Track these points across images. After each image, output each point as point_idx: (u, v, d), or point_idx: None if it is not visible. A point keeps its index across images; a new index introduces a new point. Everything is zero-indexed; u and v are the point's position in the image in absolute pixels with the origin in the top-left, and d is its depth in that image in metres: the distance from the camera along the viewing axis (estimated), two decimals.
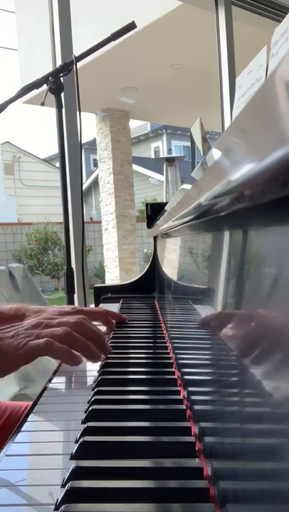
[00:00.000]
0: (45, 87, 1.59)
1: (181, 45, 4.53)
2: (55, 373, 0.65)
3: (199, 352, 0.49)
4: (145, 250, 8.48)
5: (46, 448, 0.42)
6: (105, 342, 0.66)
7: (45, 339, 0.57)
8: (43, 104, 1.61)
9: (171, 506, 0.31)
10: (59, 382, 0.61)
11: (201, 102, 5.61)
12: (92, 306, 1.48)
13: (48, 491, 0.34)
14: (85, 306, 2.02)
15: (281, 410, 0.20)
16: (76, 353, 0.60)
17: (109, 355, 0.66)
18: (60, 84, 1.58)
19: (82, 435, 0.41)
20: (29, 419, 0.48)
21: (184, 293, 0.62)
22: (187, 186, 0.47)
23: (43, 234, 8.47)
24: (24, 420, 0.48)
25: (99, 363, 0.64)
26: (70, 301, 1.66)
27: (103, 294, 1.37)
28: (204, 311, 0.44)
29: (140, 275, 1.43)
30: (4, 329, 0.60)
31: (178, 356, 0.61)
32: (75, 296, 1.77)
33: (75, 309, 0.79)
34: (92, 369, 0.63)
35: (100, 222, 7.80)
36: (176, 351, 0.63)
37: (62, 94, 1.61)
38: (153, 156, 16.32)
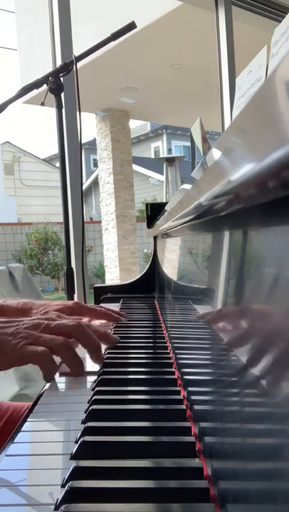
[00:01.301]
0: (45, 87, 1.59)
1: (181, 45, 4.53)
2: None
3: (199, 352, 0.49)
4: (145, 250, 8.48)
5: (46, 448, 0.42)
6: (100, 352, 0.65)
7: (42, 349, 0.57)
8: (43, 104, 1.61)
9: (171, 506, 0.31)
10: (59, 382, 0.61)
11: (201, 102, 5.61)
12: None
13: (48, 491, 0.34)
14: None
15: (281, 410, 0.20)
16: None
17: (109, 355, 0.66)
18: (60, 84, 1.58)
19: (82, 435, 0.41)
20: (29, 419, 0.48)
21: (184, 293, 0.62)
22: (187, 186, 0.47)
23: (43, 234, 8.47)
24: (24, 420, 0.48)
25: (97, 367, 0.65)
26: None
27: (103, 294, 1.37)
28: (204, 311, 0.44)
29: (140, 275, 1.43)
30: (4, 324, 0.60)
31: (178, 356, 0.61)
32: (75, 296, 1.77)
33: (77, 304, 0.80)
34: (92, 369, 0.63)
35: (100, 222, 7.80)
36: (176, 351, 0.63)
37: (62, 94, 1.61)
38: (153, 156, 16.32)
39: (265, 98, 0.17)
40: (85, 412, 0.46)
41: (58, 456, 0.40)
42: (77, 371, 0.61)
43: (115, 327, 0.89)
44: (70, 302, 0.82)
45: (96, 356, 0.64)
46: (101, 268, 8.31)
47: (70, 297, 1.65)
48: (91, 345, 0.64)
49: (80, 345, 0.65)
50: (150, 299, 1.30)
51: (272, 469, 0.21)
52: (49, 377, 0.59)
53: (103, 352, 0.69)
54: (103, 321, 0.91)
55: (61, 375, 0.63)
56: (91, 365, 0.64)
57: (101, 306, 0.92)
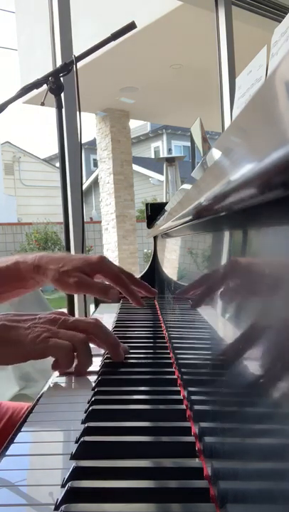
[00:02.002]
0: (45, 87, 1.59)
1: (181, 45, 4.54)
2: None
3: (199, 352, 0.49)
4: (145, 250, 8.48)
5: (46, 448, 0.42)
6: (119, 349, 0.64)
7: (67, 343, 0.57)
8: (43, 104, 1.61)
9: (171, 506, 0.31)
10: (59, 382, 0.61)
11: (201, 102, 5.61)
12: (92, 306, 1.47)
13: (48, 491, 0.34)
14: (85, 306, 2.02)
15: (281, 410, 0.20)
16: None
17: (109, 355, 0.66)
18: (60, 84, 1.58)
19: (82, 435, 0.41)
20: (29, 419, 0.48)
21: (184, 293, 0.62)
22: (187, 186, 0.47)
23: (42, 234, 8.47)
24: (24, 420, 0.48)
25: (99, 363, 0.65)
26: (70, 301, 1.66)
27: None
28: (204, 311, 0.44)
29: (140, 275, 1.43)
30: (20, 317, 0.60)
31: (178, 356, 0.61)
32: (75, 296, 1.77)
33: (101, 259, 0.73)
34: (92, 369, 0.63)
35: (100, 222, 7.80)
36: (176, 351, 0.63)
37: (62, 94, 1.61)
38: (153, 156, 16.32)
39: (265, 98, 0.17)
40: (85, 412, 0.46)
41: (58, 456, 0.40)
42: (85, 371, 0.61)
43: (115, 327, 0.89)
44: (95, 257, 0.73)
45: (116, 353, 0.63)
46: None
47: (70, 297, 1.65)
48: (110, 342, 0.63)
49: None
50: (150, 299, 1.30)
51: (272, 469, 0.21)
52: (64, 371, 0.60)
53: (103, 353, 0.69)
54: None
55: (61, 374, 0.63)
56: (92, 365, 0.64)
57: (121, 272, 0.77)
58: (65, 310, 1.66)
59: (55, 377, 0.62)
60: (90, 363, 0.61)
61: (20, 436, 0.44)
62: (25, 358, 0.57)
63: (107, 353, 0.68)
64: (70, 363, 0.58)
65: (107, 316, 1.08)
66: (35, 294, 2.54)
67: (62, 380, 0.62)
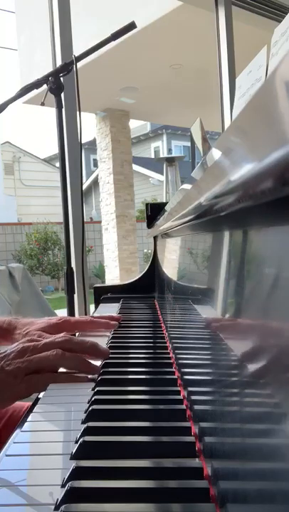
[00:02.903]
0: (45, 87, 1.59)
1: (181, 45, 4.53)
2: None
3: (199, 352, 0.49)
4: (145, 250, 8.48)
5: (46, 448, 0.42)
6: (99, 347, 0.64)
7: (43, 375, 0.57)
8: (43, 104, 1.61)
9: (171, 506, 0.31)
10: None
11: (201, 102, 5.60)
12: (92, 306, 1.48)
13: (48, 491, 0.34)
14: (85, 306, 2.02)
15: (281, 410, 0.20)
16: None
17: (109, 355, 0.66)
18: (60, 84, 1.58)
19: (82, 435, 0.41)
20: (29, 419, 0.48)
21: (184, 293, 0.62)
22: (187, 186, 0.47)
23: (42, 234, 8.47)
24: (24, 420, 0.48)
25: (99, 363, 0.64)
26: (70, 302, 1.66)
27: (103, 294, 1.37)
28: (204, 311, 0.44)
29: (140, 275, 1.43)
30: None
31: (178, 356, 0.61)
32: (75, 296, 1.77)
33: (61, 320, 0.78)
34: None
35: (100, 222, 7.80)
36: (176, 351, 0.63)
37: (62, 94, 1.61)
38: (153, 156, 16.31)
39: (265, 98, 0.17)
40: (85, 412, 0.46)
41: (58, 456, 0.40)
42: (91, 369, 0.60)
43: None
44: (54, 319, 0.78)
45: (98, 353, 0.63)
46: (101, 268, 8.31)
47: (70, 297, 1.65)
48: (87, 348, 0.63)
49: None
50: (150, 299, 1.30)
51: (272, 469, 0.21)
52: (91, 371, 0.59)
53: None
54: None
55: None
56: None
57: (90, 317, 0.88)
58: (65, 310, 1.66)
59: None
60: (85, 362, 0.60)
61: (20, 436, 0.44)
62: (14, 400, 0.57)
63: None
64: (73, 379, 0.58)
65: None
66: (36, 295, 2.54)
67: None
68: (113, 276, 6.87)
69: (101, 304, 1.30)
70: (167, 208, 0.81)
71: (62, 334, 0.64)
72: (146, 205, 1.45)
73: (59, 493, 0.32)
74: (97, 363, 0.63)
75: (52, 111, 1.66)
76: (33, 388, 0.56)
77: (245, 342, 0.27)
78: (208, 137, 0.73)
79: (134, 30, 1.65)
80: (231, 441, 0.30)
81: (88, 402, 0.50)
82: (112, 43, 1.63)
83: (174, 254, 0.84)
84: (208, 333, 0.41)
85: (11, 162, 15.75)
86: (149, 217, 1.42)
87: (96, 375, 0.59)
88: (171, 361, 0.64)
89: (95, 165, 13.61)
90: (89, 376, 0.60)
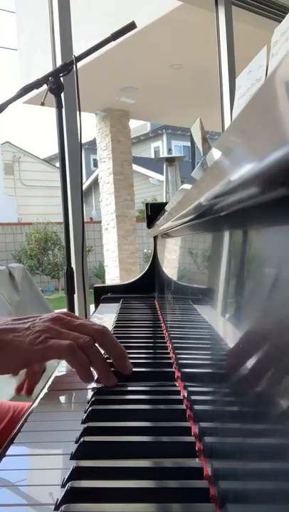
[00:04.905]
0: (45, 87, 1.59)
1: (181, 45, 4.53)
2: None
3: (199, 352, 0.49)
4: (145, 250, 8.48)
5: (46, 448, 0.42)
6: (126, 361, 0.56)
7: (68, 342, 0.50)
8: (43, 104, 1.61)
9: (171, 506, 0.31)
10: (59, 382, 0.61)
11: (201, 102, 5.61)
12: (92, 306, 1.48)
13: (48, 491, 0.34)
14: (85, 306, 2.02)
15: (281, 410, 0.20)
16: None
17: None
18: (60, 84, 1.58)
19: (82, 435, 0.41)
20: (29, 419, 0.48)
21: (184, 293, 0.62)
22: (187, 186, 0.47)
23: (42, 234, 8.47)
24: (24, 420, 0.48)
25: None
26: (70, 302, 1.66)
27: (103, 293, 1.37)
28: (204, 311, 0.44)
29: (140, 275, 1.43)
30: (18, 320, 0.54)
31: (178, 356, 0.61)
32: (75, 296, 1.77)
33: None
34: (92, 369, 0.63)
35: (100, 222, 7.80)
36: (176, 351, 0.63)
37: (62, 94, 1.61)
38: (153, 156, 16.32)
39: (265, 98, 0.17)
40: (85, 412, 0.46)
41: (58, 456, 0.40)
42: (106, 377, 0.53)
43: (115, 327, 0.89)
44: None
45: (122, 364, 0.56)
46: (101, 268, 8.31)
47: (70, 297, 1.65)
48: (117, 353, 0.55)
49: None
50: (150, 299, 1.30)
51: (272, 469, 0.21)
52: (86, 377, 0.52)
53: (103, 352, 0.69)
54: None
55: (62, 374, 0.63)
56: None
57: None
58: (65, 311, 1.66)
59: (55, 378, 0.62)
60: (106, 366, 0.54)
61: (20, 437, 0.44)
62: (24, 362, 0.52)
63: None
64: (80, 365, 0.51)
65: (107, 316, 1.08)
66: (36, 295, 2.54)
67: (62, 380, 0.62)
68: (113, 276, 6.87)
69: (101, 304, 1.30)
70: (167, 207, 0.81)
71: (102, 325, 0.57)
72: (146, 205, 1.45)
73: (59, 493, 0.32)
74: None
75: (52, 111, 1.67)
76: (46, 351, 0.50)
77: (245, 342, 0.27)
78: (208, 137, 0.73)
79: (134, 30, 1.65)
80: (231, 441, 0.30)
81: (88, 402, 0.50)
82: (112, 43, 1.63)
83: (174, 254, 0.84)
84: (208, 333, 0.41)
85: (11, 162, 15.75)
86: (149, 217, 1.42)
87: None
88: (171, 361, 0.64)
89: (95, 165, 13.62)
90: (87, 384, 0.55)
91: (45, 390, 0.57)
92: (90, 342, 0.52)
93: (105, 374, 0.53)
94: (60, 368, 0.66)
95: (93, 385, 0.55)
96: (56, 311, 0.80)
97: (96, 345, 0.54)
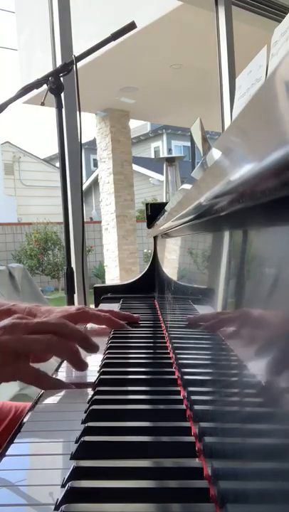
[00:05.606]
0: (45, 87, 1.60)
1: (181, 45, 4.53)
2: (57, 370, 0.65)
3: (199, 352, 0.49)
4: (145, 250, 8.48)
5: (46, 448, 0.42)
6: (90, 341, 0.62)
7: (37, 373, 0.54)
8: (43, 104, 1.61)
9: (171, 506, 0.31)
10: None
11: (201, 102, 5.60)
12: (92, 306, 1.48)
13: (48, 491, 0.34)
14: (85, 306, 2.02)
15: (281, 410, 0.20)
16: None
17: (109, 355, 0.66)
18: (60, 84, 1.58)
19: (82, 435, 0.41)
20: (29, 419, 0.48)
21: (184, 293, 0.62)
22: (187, 186, 0.47)
23: (42, 234, 8.47)
24: (24, 420, 0.48)
25: (99, 363, 0.64)
26: (70, 302, 1.66)
27: (103, 294, 1.37)
28: (204, 311, 0.44)
29: (140, 275, 1.43)
30: None
31: (178, 356, 0.61)
32: (75, 296, 1.77)
33: (80, 309, 0.78)
34: (92, 369, 0.63)
35: (100, 222, 7.80)
36: (176, 351, 0.63)
37: (62, 94, 1.61)
38: (153, 156, 16.32)
39: (265, 98, 0.17)
40: (85, 412, 0.46)
41: (58, 456, 0.40)
42: (81, 365, 0.59)
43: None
44: (74, 308, 0.78)
45: (90, 345, 0.61)
46: (101, 268, 8.31)
47: (70, 297, 1.65)
48: (80, 338, 0.60)
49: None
50: (150, 299, 1.30)
51: (272, 469, 0.21)
52: (80, 366, 0.58)
53: (103, 352, 0.69)
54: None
55: (62, 374, 0.63)
56: (91, 365, 0.64)
57: (108, 311, 0.87)
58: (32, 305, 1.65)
59: (56, 377, 0.62)
60: (77, 355, 0.58)
61: (20, 437, 0.44)
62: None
63: (107, 353, 0.68)
64: (36, 379, 0.55)
65: None
66: (36, 295, 2.54)
67: (62, 380, 0.62)
68: (113, 276, 6.87)
69: (101, 304, 1.30)
70: (167, 208, 0.81)
71: (58, 315, 0.62)
72: (146, 205, 1.45)
73: (59, 493, 0.32)
74: (96, 365, 0.63)
75: (52, 111, 1.67)
76: (18, 377, 0.53)
77: (245, 342, 0.27)
78: (208, 137, 0.73)
79: (134, 30, 1.65)
80: (231, 441, 0.30)
81: (88, 402, 0.50)
82: (112, 43, 1.63)
83: (174, 254, 0.84)
84: (208, 333, 0.42)
85: (11, 162, 15.76)
86: (149, 217, 1.41)
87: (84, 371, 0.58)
88: (171, 361, 0.64)
89: (95, 165, 13.61)
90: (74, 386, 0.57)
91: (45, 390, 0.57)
92: (52, 340, 0.55)
93: (77, 363, 0.59)
94: (60, 368, 0.66)
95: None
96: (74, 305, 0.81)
97: (59, 340, 0.56)
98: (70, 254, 1.67)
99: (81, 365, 0.59)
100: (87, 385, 0.58)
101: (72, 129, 2.04)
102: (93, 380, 0.58)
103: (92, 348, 0.63)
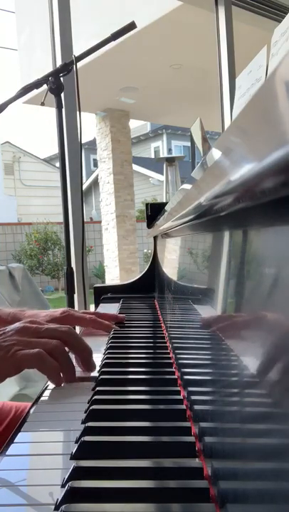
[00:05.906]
0: (45, 87, 1.59)
1: (181, 45, 4.53)
2: None
3: (199, 352, 0.49)
4: (145, 250, 8.47)
5: (46, 448, 0.42)
6: (92, 359, 0.63)
7: (37, 350, 0.54)
8: (43, 104, 1.61)
9: (171, 506, 0.31)
10: None
11: (201, 102, 5.60)
12: (92, 306, 1.48)
13: (48, 491, 0.34)
14: (85, 306, 2.02)
15: (281, 410, 0.20)
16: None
17: (109, 355, 0.66)
18: (60, 84, 1.58)
19: (82, 435, 0.41)
20: (29, 419, 0.48)
21: (184, 293, 0.62)
22: (187, 186, 0.47)
23: (42, 234, 8.47)
24: (24, 420, 0.48)
25: (99, 363, 0.64)
26: (70, 301, 1.66)
27: (103, 294, 1.37)
28: (204, 311, 0.44)
29: (140, 275, 1.43)
30: None
31: (178, 356, 0.61)
32: (75, 296, 1.77)
33: (65, 313, 0.78)
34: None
35: (100, 222, 7.80)
36: (176, 351, 0.63)
37: (62, 94, 1.61)
38: (153, 156, 16.32)
39: (265, 98, 0.17)
40: (85, 412, 0.46)
41: (58, 456, 0.40)
42: (71, 377, 0.59)
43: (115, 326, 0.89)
44: (59, 311, 0.78)
45: (89, 362, 0.62)
46: (101, 268, 8.31)
47: (70, 297, 1.65)
48: (83, 350, 0.62)
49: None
50: (150, 299, 1.30)
51: (272, 469, 0.21)
52: (57, 381, 0.57)
53: (103, 352, 0.69)
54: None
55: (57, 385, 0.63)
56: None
57: (93, 312, 0.88)
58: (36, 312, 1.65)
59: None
60: (72, 369, 0.59)
61: (20, 436, 0.44)
62: (3, 376, 0.54)
63: (107, 353, 0.68)
64: (51, 371, 0.56)
65: None
66: (36, 295, 2.54)
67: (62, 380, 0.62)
68: (113, 276, 6.87)
69: (101, 304, 1.30)
70: (167, 208, 0.81)
71: (67, 326, 0.63)
72: (146, 205, 1.45)
73: (59, 493, 0.32)
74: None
75: (52, 111, 1.66)
76: (18, 363, 0.54)
77: (245, 342, 0.27)
78: (208, 137, 0.73)
79: (134, 30, 1.64)
80: (231, 441, 0.30)
81: (88, 402, 0.50)
82: (112, 43, 1.63)
83: (174, 254, 0.84)
84: (208, 333, 0.41)
85: (11, 162, 15.75)
86: (149, 217, 1.41)
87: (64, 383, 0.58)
88: (171, 361, 0.64)
89: (95, 165, 13.61)
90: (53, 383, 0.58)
91: (45, 389, 0.57)
92: (59, 345, 0.57)
93: (70, 376, 0.58)
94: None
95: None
96: (60, 309, 0.82)
97: (65, 348, 0.58)
98: (70, 254, 1.66)
99: (70, 378, 0.59)
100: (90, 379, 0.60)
101: (72, 129, 2.04)
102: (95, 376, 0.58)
103: (89, 367, 0.63)
